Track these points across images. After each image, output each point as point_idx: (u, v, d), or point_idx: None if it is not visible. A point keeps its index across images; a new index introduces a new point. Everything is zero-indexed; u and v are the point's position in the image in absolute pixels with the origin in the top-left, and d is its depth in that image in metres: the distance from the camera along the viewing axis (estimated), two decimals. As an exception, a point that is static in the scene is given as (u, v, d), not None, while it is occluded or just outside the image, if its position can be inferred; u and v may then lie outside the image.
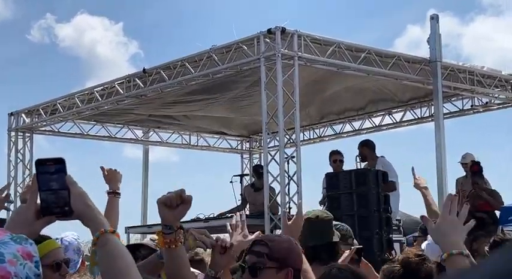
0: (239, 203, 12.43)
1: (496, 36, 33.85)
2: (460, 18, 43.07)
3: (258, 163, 16.00)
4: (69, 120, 13.98)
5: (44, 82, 34.59)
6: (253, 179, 12.75)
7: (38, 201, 1.95)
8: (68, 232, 5.10)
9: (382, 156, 11.02)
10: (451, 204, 2.69)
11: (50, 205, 1.93)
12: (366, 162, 11.01)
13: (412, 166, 5.46)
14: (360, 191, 9.94)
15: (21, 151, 13.81)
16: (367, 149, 11.06)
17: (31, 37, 34.82)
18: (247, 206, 12.66)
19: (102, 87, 12.66)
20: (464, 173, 11.55)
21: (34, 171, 2.00)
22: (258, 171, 12.06)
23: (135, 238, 12.74)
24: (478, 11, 40.65)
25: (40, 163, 1.97)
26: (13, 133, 14.04)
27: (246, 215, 12.10)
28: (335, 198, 10.19)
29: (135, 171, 16.28)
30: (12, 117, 14.11)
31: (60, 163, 1.95)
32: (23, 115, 14.00)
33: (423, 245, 7.25)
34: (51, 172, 1.94)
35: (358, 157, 11.11)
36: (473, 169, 11.14)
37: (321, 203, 11.04)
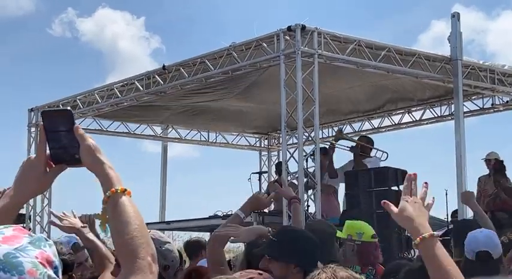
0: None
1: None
2: (486, 13, 42.71)
3: (276, 160, 16.00)
4: (88, 116, 14.03)
5: (66, 77, 34.77)
6: (277, 177, 12.74)
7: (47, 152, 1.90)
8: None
9: (375, 157, 11.25)
10: (411, 184, 2.51)
11: (59, 153, 1.89)
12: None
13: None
14: (379, 190, 9.93)
15: (41, 146, 13.84)
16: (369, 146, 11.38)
17: (52, 31, 34.98)
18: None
19: (121, 84, 12.70)
20: (487, 172, 11.49)
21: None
22: (279, 168, 12.08)
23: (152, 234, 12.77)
24: (504, 6, 40.26)
25: (46, 114, 1.92)
26: (33, 129, 14.10)
27: (265, 213, 12.12)
28: (354, 196, 10.19)
29: (154, 166, 16.33)
30: (32, 113, 14.18)
31: (67, 114, 1.91)
32: (43, 111, 14.04)
33: None
34: (58, 123, 1.89)
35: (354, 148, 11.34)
36: (495, 166, 11.10)
37: None
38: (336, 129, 14.97)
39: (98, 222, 1.86)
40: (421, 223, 2.41)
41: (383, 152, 11.64)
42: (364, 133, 15.24)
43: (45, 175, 1.92)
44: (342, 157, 11.78)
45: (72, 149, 1.87)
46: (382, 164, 11.15)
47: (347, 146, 11.64)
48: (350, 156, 11.60)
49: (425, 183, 2.52)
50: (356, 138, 12.50)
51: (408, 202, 2.46)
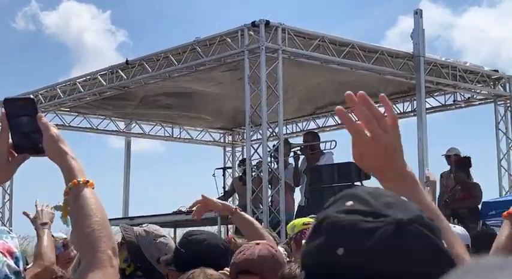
0: (221, 196, 12.42)
1: (490, 27, 34.03)
2: (453, 9, 43.22)
3: (241, 156, 16.02)
4: (50, 111, 13.88)
5: (29, 72, 34.33)
6: (241, 172, 12.75)
7: (10, 141, 1.86)
8: (60, 234, 5.06)
9: (327, 151, 11.34)
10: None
11: (22, 142, 1.85)
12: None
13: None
14: (342, 185, 9.99)
15: (2, 141, 13.66)
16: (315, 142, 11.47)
17: (16, 25, 34.50)
18: (232, 198, 12.66)
19: (84, 78, 12.59)
20: (448, 167, 11.61)
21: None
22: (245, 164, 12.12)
23: (116, 230, 12.70)
24: (471, 2, 40.79)
25: (9, 102, 1.88)
26: (-6, 124, 13.91)
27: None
28: (318, 192, 10.24)
29: (118, 161, 16.19)
30: (-7, 108, 13.99)
31: (30, 102, 1.87)
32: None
33: None
34: (21, 111, 1.85)
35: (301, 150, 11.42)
36: (456, 162, 11.22)
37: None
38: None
39: (59, 213, 1.82)
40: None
41: (331, 141, 11.76)
42: (328, 129, 15.35)
43: (8, 164, 1.87)
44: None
45: (35, 138, 1.84)
46: (336, 154, 11.38)
47: (298, 151, 11.76)
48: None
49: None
50: (302, 136, 12.67)
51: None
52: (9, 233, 1.59)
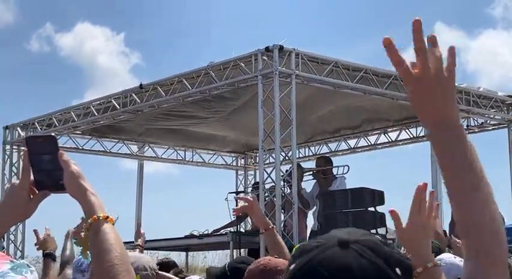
0: (234, 220, 12.38)
1: (504, 50, 33.97)
2: (468, 32, 43.19)
3: (253, 179, 15.99)
4: (64, 134, 13.94)
5: (43, 93, 34.47)
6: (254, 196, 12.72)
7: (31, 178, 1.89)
8: None
9: (340, 176, 11.29)
10: (421, 200, 2.25)
11: (43, 179, 1.89)
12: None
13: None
14: (356, 211, 9.97)
15: (16, 164, 13.76)
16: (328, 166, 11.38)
17: (30, 47, 34.74)
18: (244, 222, 12.63)
19: (98, 102, 12.65)
20: None
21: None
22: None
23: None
24: (487, 25, 40.80)
25: (30, 140, 1.91)
26: (8, 147, 14.00)
27: (242, 232, 12.10)
28: (331, 217, 10.21)
29: (131, 183, 16.18)
30: (8, 131, 14.08)
31: (51, 140, 1.90)
32: (18, 128, 13.96)
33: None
34: (42, 149, 1.88)
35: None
36: None
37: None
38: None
39: (79, 249, 1.85)
40: (426, 253, 2.28)
41: (343, 166, 11.71)
42: (340, 153, 15.32)
43: (29, 201, 1.90)
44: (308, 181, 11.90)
45: (56, 175, 1.87)
46: (348, 179, 11.36)
47: (310, 175, 11.74)
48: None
49: (432, 192, 2.29)
50: (315, 160, 12.61)
51: (416, 224, 2.25)
52: (29, 267, 1.59)
